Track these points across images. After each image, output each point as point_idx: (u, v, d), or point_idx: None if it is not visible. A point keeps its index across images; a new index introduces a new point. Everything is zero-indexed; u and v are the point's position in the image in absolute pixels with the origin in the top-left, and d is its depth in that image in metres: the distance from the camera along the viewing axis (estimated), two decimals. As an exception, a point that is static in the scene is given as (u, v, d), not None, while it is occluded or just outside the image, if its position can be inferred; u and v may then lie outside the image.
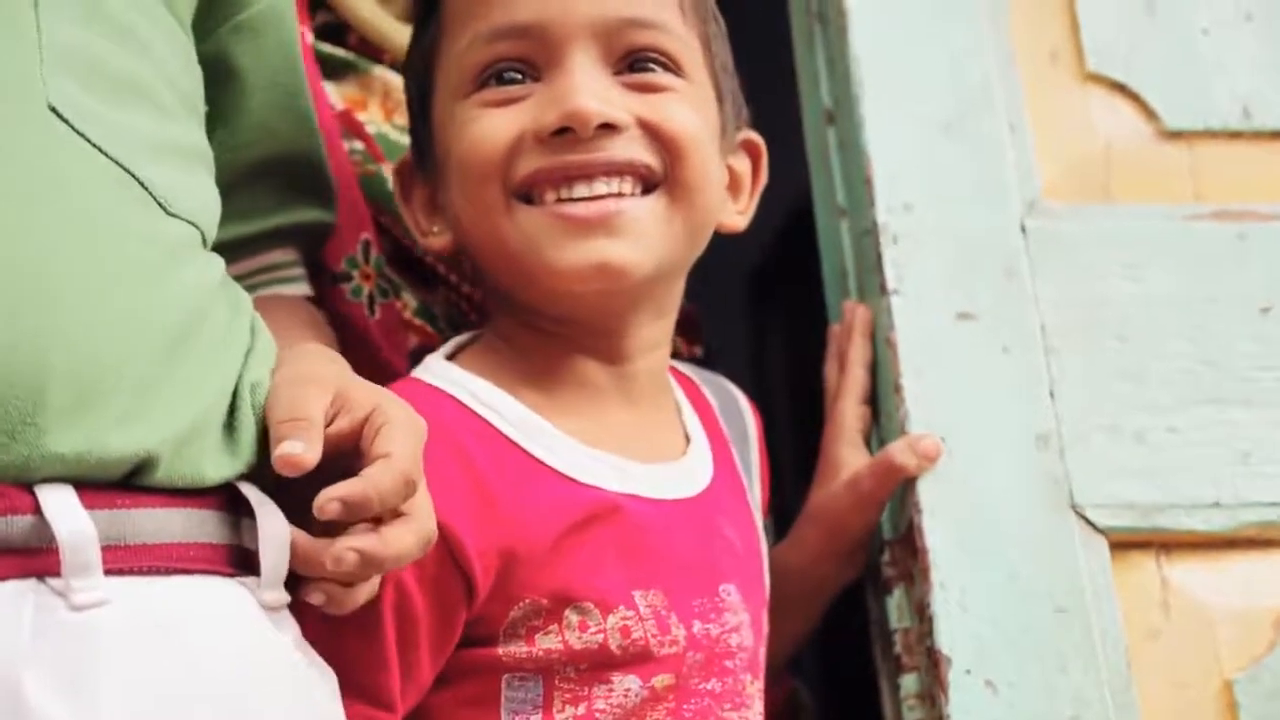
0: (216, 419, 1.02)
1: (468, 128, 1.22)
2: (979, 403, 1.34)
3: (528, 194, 1.21)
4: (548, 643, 1.16)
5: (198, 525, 0.99)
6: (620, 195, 1.21)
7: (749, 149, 1.34)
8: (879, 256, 1.38)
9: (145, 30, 1.07)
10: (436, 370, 1.24)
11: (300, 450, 0.98)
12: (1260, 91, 1.48)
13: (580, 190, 1.20)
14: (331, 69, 1.44)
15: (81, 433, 0.94)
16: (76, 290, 0.95)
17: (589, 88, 1.20)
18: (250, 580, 1.01)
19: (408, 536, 1.01)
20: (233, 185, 1.18)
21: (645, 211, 1.21)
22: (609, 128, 1.20)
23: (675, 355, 1.52)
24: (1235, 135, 1.46)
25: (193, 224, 1.06)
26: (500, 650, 1.15)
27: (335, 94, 1.43)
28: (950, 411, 1.33)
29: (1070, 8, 1.49)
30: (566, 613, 1.16)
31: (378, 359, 1.33)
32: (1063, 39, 1.48)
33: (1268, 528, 1.34)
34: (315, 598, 1.01)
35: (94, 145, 1.00)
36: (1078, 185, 1.44)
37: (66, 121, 0.99)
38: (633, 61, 1.23)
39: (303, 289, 1.30)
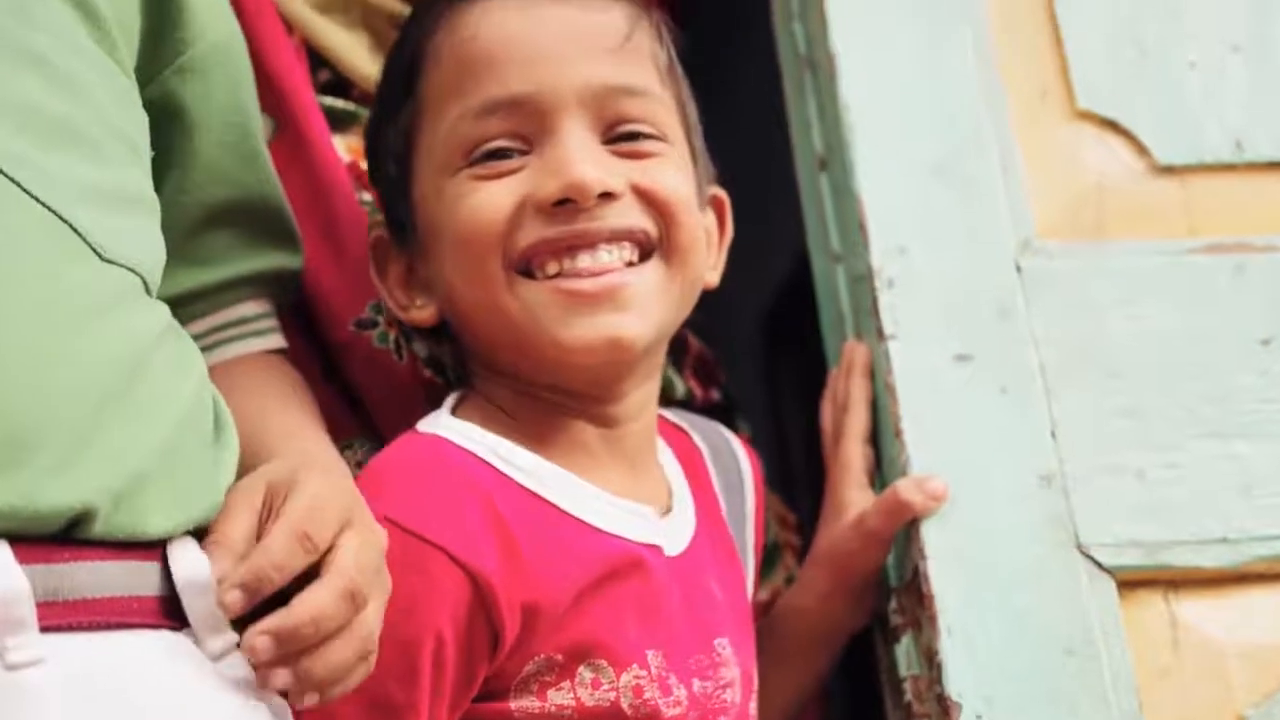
0: (162, 472, 1.00)
1: (463, 202, 1.21)
2: (980, 445, 1.34)
3: (526, 266, 1.21)
4: (560, 699, 1.16)
5: (141, 578, 0.98)
6: (625, 266, 1.21)
7: (715, 205, 1.34)
8: (875, 301, 1.38)
9: (82, 74, 1.06)
10: (451, 426, 1.24)
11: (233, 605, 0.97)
12: (1251, 123, 1.47)
13: (584, 259, 1.20)
14: (336, 121, 1.45)
15: (14, 485, 0.92)
16: (4, 341, 0.94)
17: (586, 157, 1.20)
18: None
19: (319, 593, 0.98)
20: (191, 232, 1.17)
21: (647, 280, 1.22)
22: (608, 196, 1.20)
23: (690, 400, 1.53)
24: (1228, 168, 1.46)
25: (132, 271, 1.04)
26: (512, 704, 1.15)
27: (341, 145, 1.44)
28: (952, 454, 1.33)
29: (1058, 45, 1.49)
30: (580, 669, 1.16)
31: (414, 403, 1.33)
32: (1052, 77, 1.48)
33: (1275, 562, 1.33)
34: (309, 700, 0.98)
35: (24, 190, 0.99)
36: (1071, 223, 1.44)
37: None
38: (621, 128, 1.24)
39: (275, 341, 1.29)
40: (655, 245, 1.23)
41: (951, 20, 1.47)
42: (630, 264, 1.21)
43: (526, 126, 1.22)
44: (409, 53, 1.28)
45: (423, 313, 1.28)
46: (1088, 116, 1.47)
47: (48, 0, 1.06)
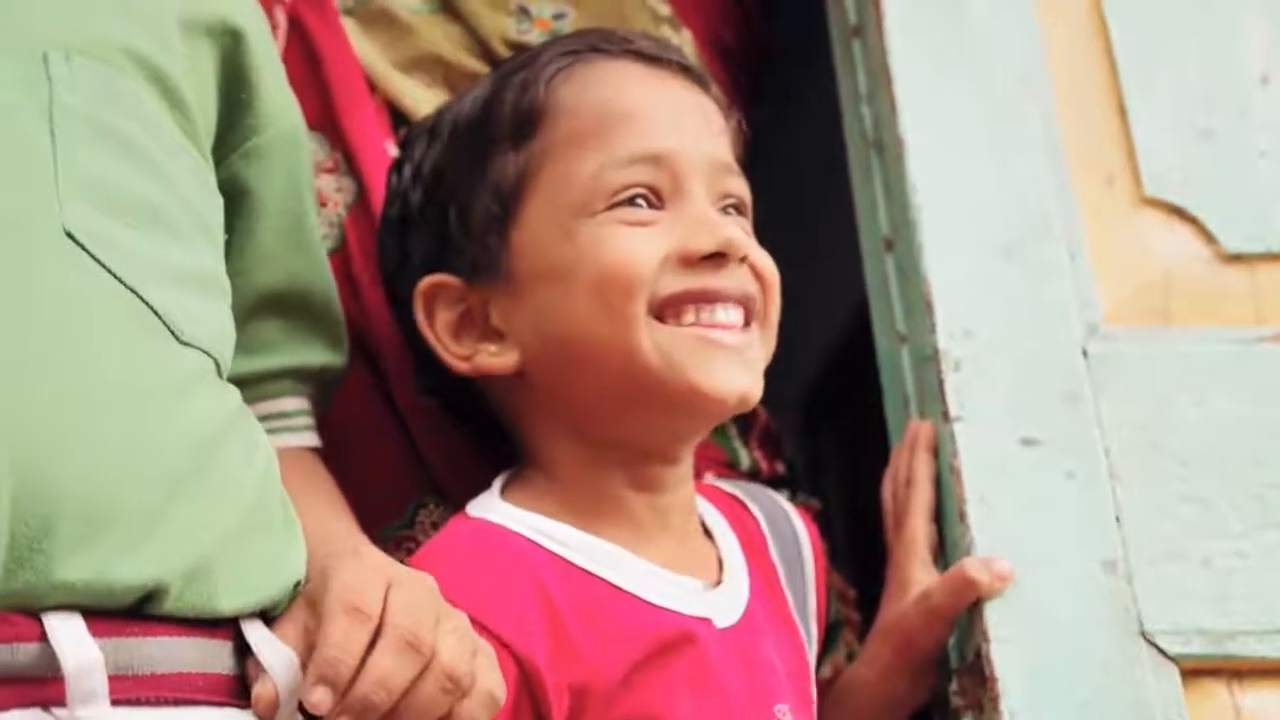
0: (233, 552, 1.01)
1: (608, 243, 1.24)
2: (1045, 529, 1.33)
3: (659, 312, 1.24)
4: None
5: (210, 655, 0.99)
6: (739, 328, 1.25)
7: None
8: (941, 383, 1.38)
9: (167, 160, 1.09)
10: (500, 510, 1.25)
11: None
12: (1319, 213, 1.48)
13: (720, 314, 1.24)
14: None
15: (90, 561, 0.94)
16: (85, 419, 0.96)
17: (723, 219, 1.26)
18: None
19: (375, 655, 0.98)
20: (242, 317, 1.18)
21: (753, 344, 1.27)
22: (741, 260, 1.25)
23: (756, 471, 1.53)
24: (1295, 257, 1.47)
25: (206, 353, 1.06)
26: None
27: None
28: (1016, 538, 1.33)
29: (1126, 132, 1.50)
30: None
31: (477, 466, 1.35)
32: (1119, 163, 1.49)
33: (1341, 653, 1.33)
34: None
35: (109, 271, 1.01)
36: (1138, 309, 1.44)
37: (82, 246, 1.00)
38: (727, 201, 1.29)
39: (309, 439, 1.29)
40: (754, 315, 1.27)
41: (1019, 104, 1.48)
42: (744, 327, 1.26)
43: (664, 183, 1.26)
44: (524, 102, 1.29)
45: (499, 359, 1.27)
46: (1155, 204, 1.48)
47: (136, 85, 1.09)
